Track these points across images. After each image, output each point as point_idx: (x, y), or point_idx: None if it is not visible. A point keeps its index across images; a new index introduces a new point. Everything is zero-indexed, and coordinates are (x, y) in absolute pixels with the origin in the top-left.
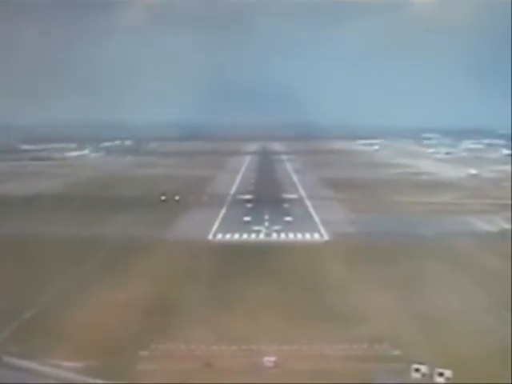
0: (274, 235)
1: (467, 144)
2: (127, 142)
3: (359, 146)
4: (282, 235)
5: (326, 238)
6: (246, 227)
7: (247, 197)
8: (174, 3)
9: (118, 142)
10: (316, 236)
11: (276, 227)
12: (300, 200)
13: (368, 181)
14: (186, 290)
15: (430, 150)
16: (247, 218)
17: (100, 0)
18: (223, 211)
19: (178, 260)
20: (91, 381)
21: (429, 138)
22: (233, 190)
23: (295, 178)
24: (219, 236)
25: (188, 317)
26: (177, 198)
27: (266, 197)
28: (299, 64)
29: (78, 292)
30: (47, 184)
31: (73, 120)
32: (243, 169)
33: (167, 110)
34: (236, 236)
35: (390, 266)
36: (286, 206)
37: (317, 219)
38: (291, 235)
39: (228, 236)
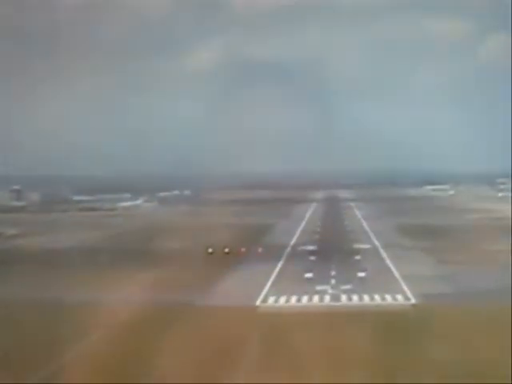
0: (344, 298)
1: None
2: (186, 192)
3: (432, 191)
4: (354, 297)
5: (412, 300)
6: (306, 287)
7: (310, 248)
8: None
9: (176, 192)
10: (399, 298)
11: (346, 286)
12: (374, 250)
13: (449, 227)
14: None
15: (509, 195)
16: (309, 275)
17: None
18: (280, 265)
19: (200, 350)
20: None
21: (504, 183)
22: (294, 240)
23: (366, 225)
24: (271, 300)
25: None
26: (226, 250)
27: (333, 247)
28: (366, 107)
29: None
30: (84, 236)
31: (137, 171)
32: (307, 216)
33: (231, 161)
34: (293, 300)
35: None
36: (357, 258)
37: (397, 274)
38: (366, 297)
39: (282, 300)
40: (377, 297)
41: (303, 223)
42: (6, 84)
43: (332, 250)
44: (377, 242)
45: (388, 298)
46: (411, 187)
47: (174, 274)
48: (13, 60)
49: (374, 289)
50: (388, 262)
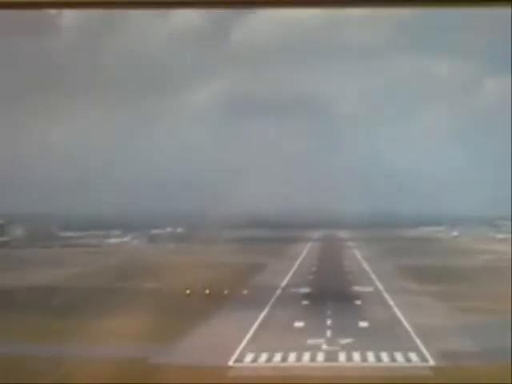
0: (342, 356)
1: None
2: (179, 230)
3: (435, 232)
4: (356, 356)
5: (430, 362)
6: (295, 340)
7: (303, 290)
8: None
9: (169, 229)
10: (413, 358)
11: (345, 340)
12: (377, 295)
13: (460, 269)
14: None
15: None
16: (299, 324)
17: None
18: (266, 312)
19: None
20: None
21: (505, 226)
22: (285, 281)
23: (367, 266)
24: (248, 358)
25: None
26: (207, 291)
27: (330, 290)
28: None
29: None
30: (55, 273)
31: (132, 209)
32: (303, 255)
33: (228, 199)
34: (276, 358)
35: None
36: (357, 303)
37: (407, 324)
38: (371, 356)
39: (263, 358)
40: (384, 355)
41: (298, 262)
42: None
43: (328, 293)
44: (380, 286)
45: (399, 357)
46: (409, 228)
47: (136, 321)
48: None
49: (380, 344)
50: (394, 309)
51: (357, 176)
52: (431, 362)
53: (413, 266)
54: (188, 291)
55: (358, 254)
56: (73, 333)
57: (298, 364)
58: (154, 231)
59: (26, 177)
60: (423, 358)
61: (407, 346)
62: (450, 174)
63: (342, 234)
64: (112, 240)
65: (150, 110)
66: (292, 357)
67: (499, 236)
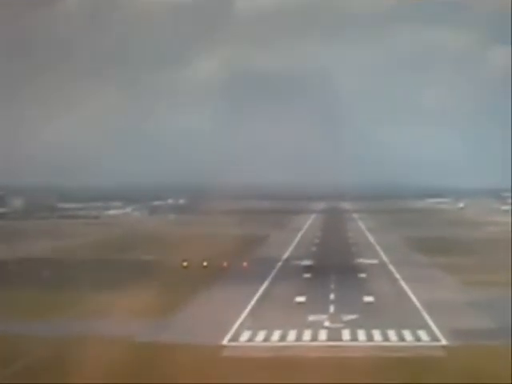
0: (346, 334)
1: None
2: (181, 201)
3: (438, 204)
4: (361, 334)
5: (442, 341)
6: (296, 316)
7: (306, 263)
8: None
9: (170, 201)
10: (423, 337)
11: (349, 316)
12: (383, 267)
13: (467, 241)
14: None
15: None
16: (301, 299)
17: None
18: (266, 285)
19: None
20: None
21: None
22: (287, 254)
23: (372, 238)
24: (244, 337)
25: None
26: (205, 263)
27: (334, 263)
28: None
29: None
30: (48, 245)
31: (135, 181)
32: (306, 227)
33: (232, 171)
34: (274, 337)
35: None
36: (362, 276)
37: (415, 299)
38: (377, 334)
39: (260, 337)
40: (392, 334)
41: (300, 234)
42: None
43: (332, 266)
44: (385, 258)
45: (407, 335)
46: (414, 200)
47: (126, 296)
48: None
49: (386, 321)
50: (401, 282)
51: (360, 149)
52: (443, 341)
53: (419, 237)
54: (185, 263)
55: (362, 225)
56: (59, 308)
57: (298, 343)
58: (156, 203)
59: (28, 149)
60: (434, 337)
61: (416, 323)
62: (454, 146)
63: (347, 205)
64: (112, 211)
65: (149, 83)
66: (292, 335)
67: (504, 207)
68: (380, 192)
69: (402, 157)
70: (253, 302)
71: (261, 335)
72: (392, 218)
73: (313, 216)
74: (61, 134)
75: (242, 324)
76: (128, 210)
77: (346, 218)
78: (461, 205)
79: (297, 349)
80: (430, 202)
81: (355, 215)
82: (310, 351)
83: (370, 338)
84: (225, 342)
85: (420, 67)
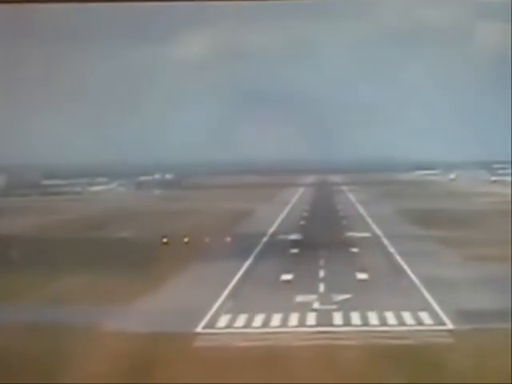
0: (338, 318)
1: None
2: (168, 176)
3: (427, 176)
4: (355, 318)
5: (448, 324)
6: (281, 297)
7: (293, 237)
8: None
9: (157, 176)
10: (425, 319)
11: (340, 296)
12: (376, 241)
13: (463, 212)
14: None
15: (504, 179)
16: (287, 277)
17: None
18: (249, 262)
19: None
20: None
21: (503, 168)
22: (273, 228)
23: (362, 210)
24: (222, 322)
25: None
26: (186, 239)
27: (323, 237)
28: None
29: None
30: (27, 222)
31: (122, 157)
32: (294, 200)
33: (220, 147)
34: (256, 322)
35: None
36: (354, 250)
37: (413, 276)
38: (373, 317)
39: (240, 322)
40: (390, 316)
41: (288, 208)
42: None
43: (321, 240)
44: (378, 231)
45: (408, 318)
46: (403, 172)
47: (94, 277)
48: None
49: (383, 301)
50: (397, 257)
51: (347, 122)
52: (449, 325)
53: (411, 209)
54: (165, 239)
55: (352, 198)
56: (16, 292)
57: (283, 329)
58: (142, 178)
59: (12, 126)
60: (438, 320)
61: (417, 303)
62: (442, 118)
63: (335, 178)
64: (96, 187)
65: (137, 59)
66: (276, 320)
67: (494, 178)
68: (369, 165)
69: (390, 129)
70: (234, 282)
71: (241, 320)
72: (382, 190)
73: (301, 189)
74: (43, 104)
75: (220, 307)
76: (113, 185)
77: (335, 190)
78: (452, 176)
79: (281, 336)
80: (420, 174)
81: (344, 187)
82: (297, 339)
83: (365, 321)
84: (199, 329)
85: (408, 41)
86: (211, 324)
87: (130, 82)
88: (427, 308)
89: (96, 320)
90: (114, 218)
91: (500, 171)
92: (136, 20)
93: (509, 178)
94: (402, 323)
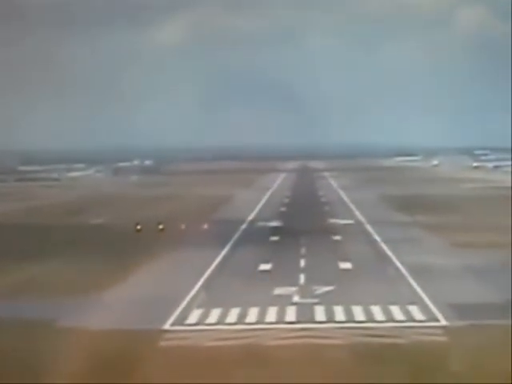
0: (320, 312)
1: None
2: (147, 162)
3: (413, 162)
4: (338, 313)
5: (441, 320)
6: (259, 289)
7: (273, 224)
8: None
9: (136, 162)
10: (415, 313)
11: (323, 288)
12: (359, 228)
13: (447, 199)
14: None
15: (491, 165)
16: (265, 267)
17: None
18: (226, 250)
19: None
20: None
21: (485, 155)
22: (253, 214)
23: (345, 196)
24: (193, 317)
25: None
26: (161, 226)
27: (305, 224)
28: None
29: None
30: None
31: (103, 144)
32: (274, 186)
33: (202, 133)
34: (231, 317)
35: None
36: (337, 238)
37: (400, 265)
38: (359, 312)
39: (213, 317)
40: (377, 311)
41: (269, 193)
42: None
43: (302, 228)
44: (361, 217)
45: (397, 313)
46: (385, 158)
47: (59, 266)
48: None
49: (369, 294)
50: (382, 245)
51: (328, 108)
52: (442, 321)
53: (395, 195)
54: (139, 226)
55: (334, 183)
56: None
57: (260, 326)
58: (121, 164)
59: None
60: (430, 315)
61: (405, 296)
62: (424, 105)
63: (317, 164)
64: (74, 173)
65: (115, 43)
66: (252, 315)
67: (476, 164)
68: (350, 151)
69: (370, 115)
70: (209, 272)
71: (214, 315)
72: (365, 175)
73: (283, 175)
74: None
75: (192, 300)
76: (90, 171)
77: (317, 176)
78: (435, 162)
79: (257, 334)
80: (402, 159)
81: (326, 173)
82: (274, 337)
83: (350, 317)
84: (167, 325)
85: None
86: (181, 320)
87: (110, 67)
88: (417, 301)
89: (51, 315)
90: (90, 205)
91: (482, 157)
92: (116, 5)
93: (490, 164)
94: (390, 319)
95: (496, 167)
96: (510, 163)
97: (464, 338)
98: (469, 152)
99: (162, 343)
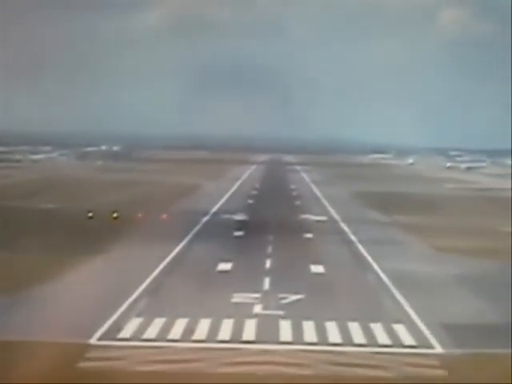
0: (286, 330)
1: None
2: (115, 148)
3: (388, 160)
4: (308, 331)
5: (437, 347)
6: (214, 294)
7: (238, 217)
8: None
9: (104, 147)
10: (404, 337)
11: (290, 297)
12: (333, 226)
13: (426, 199)
14: None
15: (465, 165)
16: (225, 267)
17: None
18: (182, 245)
19: None
20: None
21: (459, 155)
22: (218, 206)
23: (318, 191)
24: (128, 330)
25: None
26: (115, 215)
27: (273, 219)
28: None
29: None
30: None
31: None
32: (244, 177)
33: (174, 121)
34: (174, 332)
35: None
36: (308, 236)
37: (380, 271)
38: (333, 331)
39: (151, 332)
40: (355, 330)
41: (237, 184)
42: None
43: (271, 223)
44: (335, 214)
45: (380, 334)
46: (359, 155)
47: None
48: None
49: (345, 306)
50: (359, 246)
51: (303, 103)
52: (438, 348)
53: (371, 192)
54: (91, 214)
55: (306, 177)
56: None
57: (209, 346)
58: (88, 149)
59: None
60: (422, 340)
61: (389, 310)
62: (400, 104)
63: (290, 158)
64: (37, 156)
65: (97, 29)
66: (201, 329)
67: (449, 164)
68: (324, 146)
69: (344, 111)
70: (157, 271)
71: (154, 328)
72: (339, 171)
73: (253, 167)
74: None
75: (130, 307)
76: (55, 154)
77: (289, 169)
78: (410, 160)
79: (205, 356)
80: (376, 157)
81: (298, 167)
82: (226, 362)
83: (322, 337)
84: (93, 339)
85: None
86: (112, 332)
87: (84, 51)
88: (403, 318)
89: None
90: (45, 188)
91: (458, 158)
92: None
93: (463, 165)
94: (372, 341)
95: (469, 168)
96: (483, 164)
97: (461, 372)
98: (443, 152)
99: (81, 364)
